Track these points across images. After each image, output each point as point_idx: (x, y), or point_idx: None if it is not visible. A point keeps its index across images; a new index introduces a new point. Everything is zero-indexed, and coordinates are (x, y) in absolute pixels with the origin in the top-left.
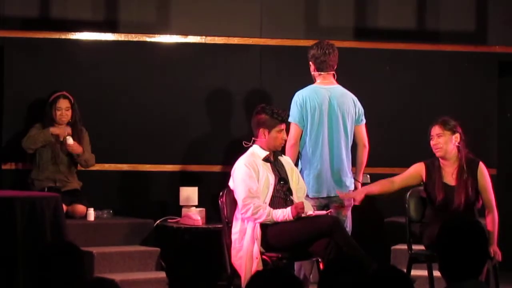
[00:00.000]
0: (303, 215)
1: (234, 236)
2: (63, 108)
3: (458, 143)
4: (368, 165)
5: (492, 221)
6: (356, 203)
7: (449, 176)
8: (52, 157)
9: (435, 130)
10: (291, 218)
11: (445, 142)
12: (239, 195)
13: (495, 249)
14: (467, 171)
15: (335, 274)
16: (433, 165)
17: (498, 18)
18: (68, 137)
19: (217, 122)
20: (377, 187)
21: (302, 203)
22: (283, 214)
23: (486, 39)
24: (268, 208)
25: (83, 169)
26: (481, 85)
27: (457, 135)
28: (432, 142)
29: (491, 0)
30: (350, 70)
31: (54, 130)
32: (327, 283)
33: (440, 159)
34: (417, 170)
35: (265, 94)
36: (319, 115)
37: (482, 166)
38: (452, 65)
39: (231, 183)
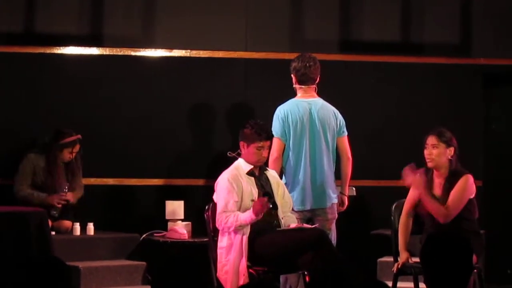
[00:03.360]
0: (291, 225)
1: (220, 250)
2: (76, 152)
3: (451, 156)
4: (354, 177)
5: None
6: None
7: (438, 187)
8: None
9: (431, 140)
10: (253, 216)
11: (438, 155)
12: (218, 208)
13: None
14: (453, 182)
15: (321, 287)
16: (426, 176)
17: (482, 31)
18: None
19: (202, 136)
20: (405, 238)
21: (265, 198)
22: (246, 216)
23: (471, 52)
24: (235, 213)
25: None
26: (466, 97)
27: (452, 148)
28: (425, 152)
29: (475, 12)
30: (335, 83)
31: (52, 199)
32: None
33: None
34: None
35: (250, 107)
36: (300, 129)
37: (465, 177)
38: (437, 78)
39: (215, 196)
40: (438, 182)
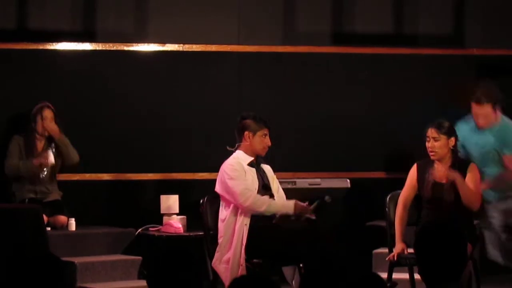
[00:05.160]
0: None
1: (220, 239)
2: (48, 118)
3: (453, 146)
4: (348, 169)
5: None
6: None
7: (441, 174)
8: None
9: (432, 133)
10: (291, 212)
11: (440, 147)
12: (236, 188)
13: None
14: (459, 170)
15: (316, 279)
16: (426, 164)
17: (475, 21)
18: (49, 156)
19: (196, 130)
20: (402, 229)
21: (307, 205)
22: (285, 205)
23: (464, 42)
24: (268, 199)
25: (63, 179)
26: (459, 88)
27: (453, 138)
28: (428, 144)
29: (467, 3)
30: (329, 75)
31: (36, 161)
32: None
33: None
34: (411, 176)
35: (244, 101)
36: None
37: (473, 166)
38: (430, 69)
39: (217, 187)
40: (442, 170)
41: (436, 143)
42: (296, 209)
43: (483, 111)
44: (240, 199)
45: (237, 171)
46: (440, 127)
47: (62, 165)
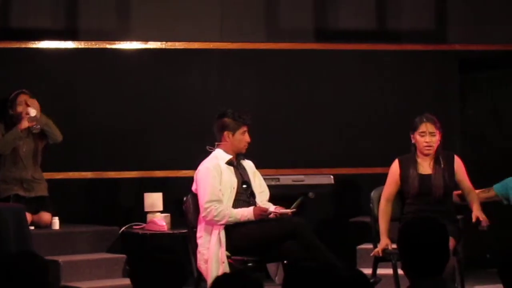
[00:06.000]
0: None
1: (199, 240)
2: (23, 102)
3: (439, 139)
4: (332, 165)
5: (474, 195)
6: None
7: (425, 167)
8: (12, 153)
9: (428, 127)
10: (252, 218)
11: (436, 141)
12: (202, 198)
13: (480, 215)
14: (443, 162)
15: (298, 275)
16: (409, 158)
17: (457, 17)
18: (30, 111)
19: (179, 127)
20: (386, 224)
21: (267, 208)
22: (245, 215)
23: (446, 38)
24: (229, 209)
25: (47, 177)
26: (442, 83)
27: (440, 132)
28: (424, 139)
29: None
30: (311, 72)
31: (21, 125)
32: (292, 285)
33: (418, 152)
34: (393, 172)
35: (227, 98)
36: None
37: (458, 158)
38: (413, 64)
39: (194, 187)
40: (424, 164)
41: (433, 138)
42: (255, 215)
43: None
44: (202, 213)
45: (208, 177)
46: (435, 122)
47: (45, 148)
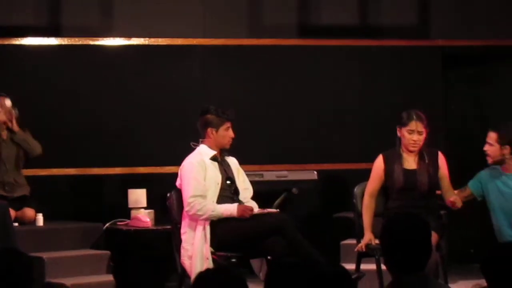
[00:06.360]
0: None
1: (183, 236)
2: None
3: (425, 137)
4: (315, 161)
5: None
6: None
7: (410, 162)
8: None
9: (417, 126)
10: (235, 215)
11: (422, 140)
12: (186, 193)
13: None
14: (428, 158)
15: (281, 271)
16: (393, 154)
17: (439, 12)
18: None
19: (162, 123)
20: (370, 219)
21: (252, 208)
22: (228, 209)
23: (429, 33)
24: (212, 204)
25: (31, 174)
26: (425, 78)
27: (426, 130)
28: (412, 137)
29: None
30: (294, 67)
31: None
32: (274, 281)
33: (403, 147)
34: (377, 167)
35: (210, 94)
36: None
37: (441, 154)
38: (396, 60)
39: (178, 182)
40: (409, 159)
41: (420, 136)
42: (239, 212)
43: None
44: (185, 208)
45: (193, 172)
46: (424, 120)
47: (26, 157)
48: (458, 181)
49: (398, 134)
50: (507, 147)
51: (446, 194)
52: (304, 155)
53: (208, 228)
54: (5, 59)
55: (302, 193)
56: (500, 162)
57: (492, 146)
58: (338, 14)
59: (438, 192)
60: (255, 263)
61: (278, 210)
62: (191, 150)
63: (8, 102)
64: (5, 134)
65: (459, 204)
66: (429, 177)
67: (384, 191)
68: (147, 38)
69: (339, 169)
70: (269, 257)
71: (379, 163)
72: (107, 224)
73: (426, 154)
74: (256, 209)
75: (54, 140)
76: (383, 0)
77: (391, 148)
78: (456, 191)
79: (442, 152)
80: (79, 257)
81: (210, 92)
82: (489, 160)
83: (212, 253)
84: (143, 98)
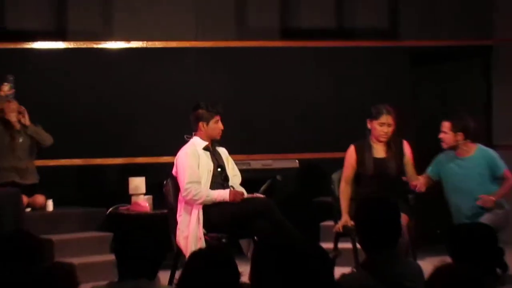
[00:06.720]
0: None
1: (179, 218)
2: (6, 94)
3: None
4: (296, 151)
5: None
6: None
7: (379, 151)
8: (9, 144)
9: (388, 119)
10: (227, 199)
11: (391, 131)
12: (182, 179)
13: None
14: (394, 146)
15: (266, 251)
16: (364, 144)
17: (408, 15)
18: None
19: (159, 118)
20: (347, 203)
21: (243, 193)
22: (221, 195)
23: (398, 34)
24: (207, 190)
25: (41, 164)
26: (395, 77)
27: (395, 122)
28: (382, 129)
29: None
30: (278, 66)
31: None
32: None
33: (372, 138)
34: (349, 157)
35: (202, 91)
36: None
37: (406, 143)
38: (369, 59)
39: (174, 170)
40: (378, 148)
41: (390, 128)
42: (231, 196)
43: None
44: (182, 193)
45: (187, 161)
46: (393, 114)
47: (39, 147)
48: (426, 168)
49: (368, 126)
50: (460, 133)
51: (410, 178)
52: (286, 145)
53: (201, 211)
54: (17, 61)
55: (285, 180)
56: (454, 147)
57: (446, 134)
58: (316, 17)
59: (403, 178)
60: (243, 243)
61: (264, 195)
62: (185, 141)
63: (15, 105)
64: (18, 126)
65: (422, 187)
66: (397, 164)
67: (356, 177)
68: (145, 41)
69: (318, 158)
70: (255, 238)
71: (351, 153)
72: (110, 209)
73: (393, 143)
74: (245, 194)
75: (61, 133)
76: (357, 5)
77: (362, 139)
78: (419, 177)
79: (407, 141)
80: (85, 239)
81: (202, 89)
82: (444, 146)
83: (204, 234)
84: (142, 96)
